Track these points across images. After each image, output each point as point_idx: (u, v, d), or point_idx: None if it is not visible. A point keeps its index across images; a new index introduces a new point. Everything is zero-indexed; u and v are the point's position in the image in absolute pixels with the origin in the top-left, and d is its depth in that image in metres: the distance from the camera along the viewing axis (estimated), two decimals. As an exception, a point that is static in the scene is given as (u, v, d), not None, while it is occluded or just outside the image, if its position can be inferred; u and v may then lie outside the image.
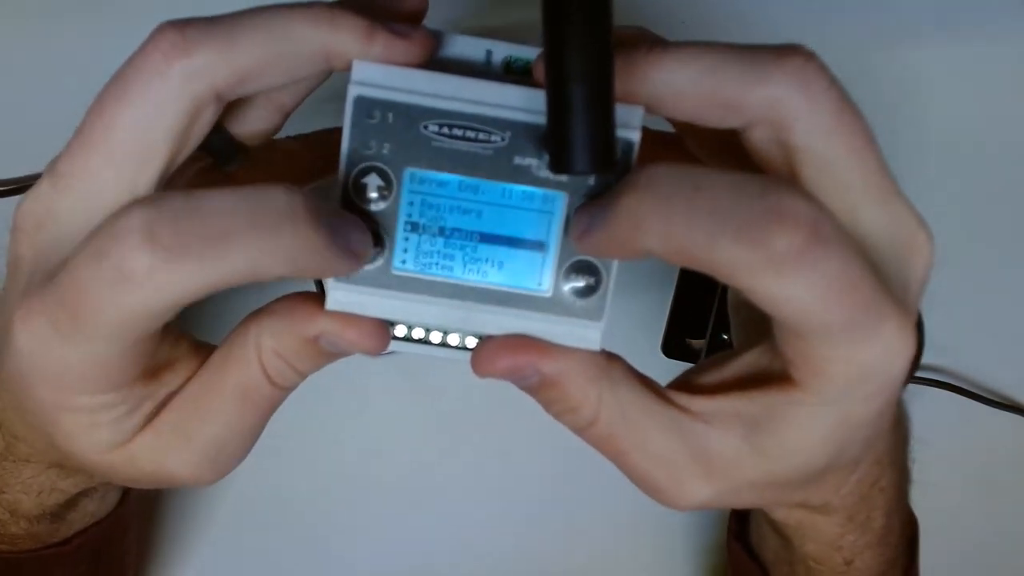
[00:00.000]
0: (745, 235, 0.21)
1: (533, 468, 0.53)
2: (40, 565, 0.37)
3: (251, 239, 0.22)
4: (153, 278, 0.22)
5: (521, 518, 0.53)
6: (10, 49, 0.51)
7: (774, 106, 0.24)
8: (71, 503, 0.35)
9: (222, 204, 0.22)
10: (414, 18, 0.27)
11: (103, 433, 0.27)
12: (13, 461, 0.31)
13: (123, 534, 0.42)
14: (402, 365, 0.52)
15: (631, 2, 0.54)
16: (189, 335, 0.28)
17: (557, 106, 0.22)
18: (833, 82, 0.24)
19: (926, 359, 0.52)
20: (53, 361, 0.25)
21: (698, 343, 0.54)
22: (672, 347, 0.55)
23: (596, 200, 0.25)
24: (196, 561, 0.51)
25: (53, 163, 0.25)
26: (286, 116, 0.29)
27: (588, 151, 0.22)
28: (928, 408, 0.54)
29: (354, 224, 0.24)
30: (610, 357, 0.27)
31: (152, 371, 0.27)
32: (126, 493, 0.39)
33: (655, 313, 0.55)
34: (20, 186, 0.49)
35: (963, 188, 0.57)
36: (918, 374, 0.54)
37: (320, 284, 0.26)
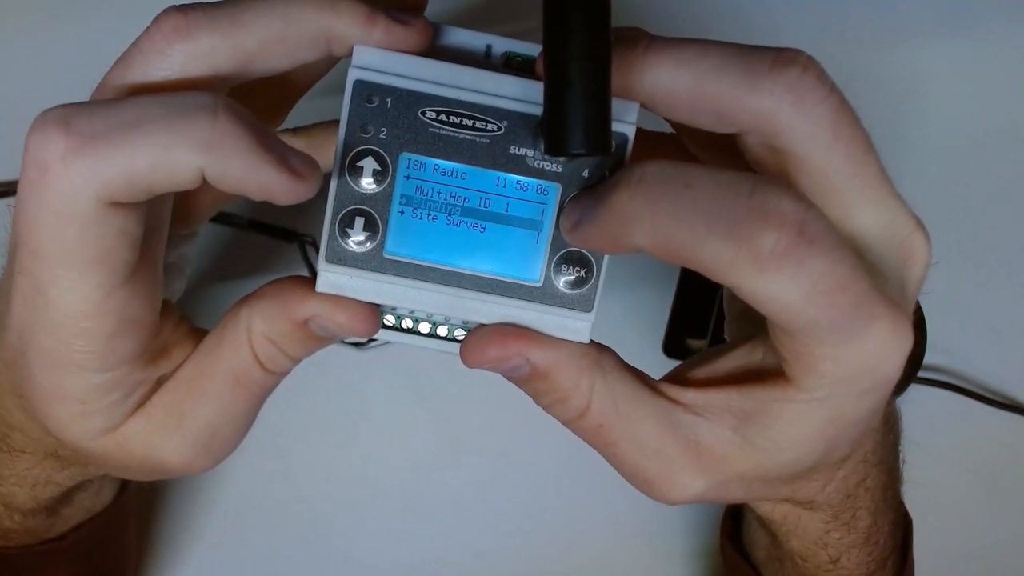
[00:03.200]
0: (731, 233, 0.22)
1: (532, 469, 0.53)
2: (35, 562, 0.37)
3: (166, 123, 0.22)
4: (69, 165, 0.22)
5: (520, 519, 0.53)
6: (10, 49, 0.51)
7: (766, 118, 0.24)
8: (66, 497, 0.35)
9: (141, 98, 0.22)
10: (415, 9, 0.27)
11: (96, 420, 0.27)
12: (8, 452, 0.31)
13: (120, 531, 0.42)
14: (402, 366, 0.53)
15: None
16: (188, 320, 0.29)
17: (554, 86, 0.23)
18: (831, 91, 0.24)
19: (926, 359, 0.52)
20: (41, 324, 0.24)
21: (699, 343, 0.54)
22: (673, 347, 0.55)
23: (588, 192, 0.25)
24: (195, 561, 0.51)
25: None
26: (290, 107, 0.30)
27: (583, 132, 0.22)
28: (928, 408, 0.54)
29: (293, 148, 0.24)
30: (600, 348, 0.27)
31: (151, 356, 0.27)
32: (123, 488, 0.39)
33: (656, 313, 0.55)
34: (12, 190, 0.49)
35: (963, 188, 0.57)
36: (919, 374, 0.54)
37: (312, 268, 0.26)
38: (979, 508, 0.56)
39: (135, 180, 0.22)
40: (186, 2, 0.25)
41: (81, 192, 0.22)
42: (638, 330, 0.55)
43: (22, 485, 0.33)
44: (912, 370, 0.51)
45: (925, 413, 0.54)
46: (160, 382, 0.28)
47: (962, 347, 0.56)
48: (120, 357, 0.26)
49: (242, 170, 0.22)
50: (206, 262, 0.51)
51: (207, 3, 0.24)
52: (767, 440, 0.26)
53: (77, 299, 0.24)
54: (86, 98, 0.25)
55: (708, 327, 0.53)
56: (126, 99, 0.23)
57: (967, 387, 0.56)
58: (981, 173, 0.57)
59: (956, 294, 0.55)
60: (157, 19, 0.24)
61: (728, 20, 0.55)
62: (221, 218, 0.50)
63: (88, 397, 0.26)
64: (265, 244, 0.51)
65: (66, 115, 0.22)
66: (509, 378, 0.27)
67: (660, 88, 0.24)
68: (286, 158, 0.23)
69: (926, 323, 0.51)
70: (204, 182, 0.23)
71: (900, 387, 0.50)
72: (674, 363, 0.54)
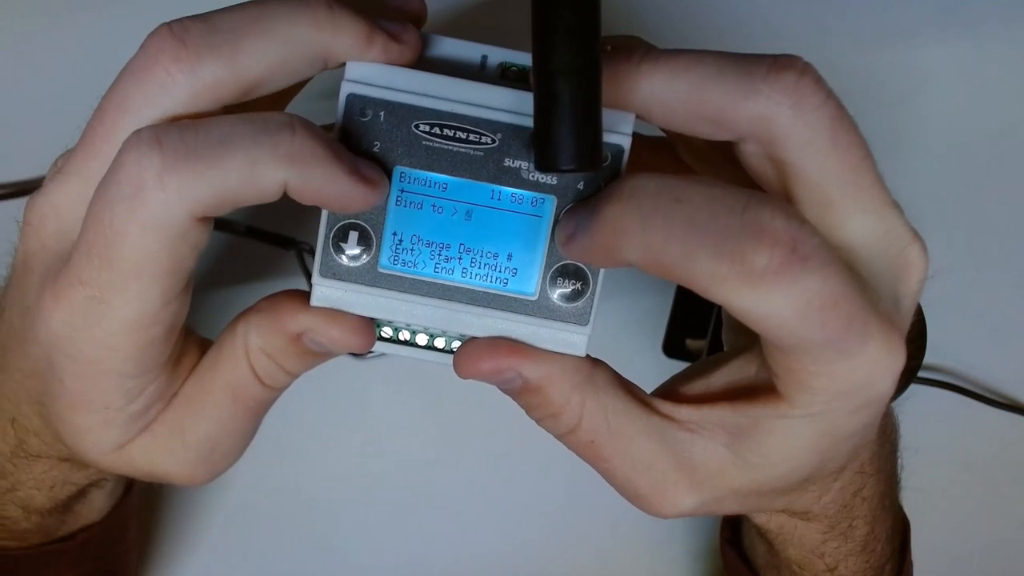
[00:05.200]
0: (723, 250, 0.21)
1: (533, 470, 0.53)
2: (45, 561, 0.37)
3: (252, 140, 0.23)
4: (165, 182, 0.22)
5: (521, 520, 0.53)
6: (9, 50, 0.51)
7: (764, 123, 0.24)
8: (81, 494, 0.35)
9: (224, 119, 0.23)
10: (416, 20, 0.27)
11: (112, 433, 0.27)
12: (25, 457, 0.31)
13: (124, 531, 0.42)
14: (404, 368, 0.53)
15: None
16: (194, 332, 0.29)
17: (543, 101, 0.22)
18: (828, 97, 0.23)
19: (926, 359, 0.52)
20: (92, 333, 0.25)
21: (699, 344, 0.54)
22: (673, 347, 0.55)
23: (583, 204, 0.25)
24: (196, 562, 0.51)
25: (56, 163, 0.26)
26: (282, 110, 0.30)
27: (572, 147, 0.22)
28: (928, 408, 0.54)
29: (363, 159, 0.25)
30: (594, 363, 0.27)
31: (172, 364, 0.27)
32: (128, 489, 0.40)
33: (657, 313, 0.55)
34: (18, 191, 0.49)
35: (963, 188, 0.57)
36: (919, 374, 0.54)
37: (310, 275, 0.26)
38: (979, 508, 0.56)
39: (226, 195, 0.23)
40: (182, 15, 0.24)
41: (175, 208, 0.22)
42: (638, 330, 0.55)
43: (40, 488, 0.33)
44: (909, 377, 0.51)
45: (925, 413, 0.54)
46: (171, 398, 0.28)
47: (962, 347, 0.56)
48: (153, 363, 0.26)
49: (321, 180, 0.23)
50: (204, 269, 0.51)
51: (201, 24, 0.24)
52: (760, 456, 0.26)
53: (139, 307, 0.24)
54: (82, 99, 0.26)
55: (708, 328, 0.53)
56: (210, 119, 0.23)
57: (967, 387, 0.56)
58: (981, 173, 0.57)
59: (956, 294, 0.55)
60: (153, 43, 0.24)
61: (728, 21, 0.55)
62: (219, 225, 0.50)
63: (113, 402, 0.26)
64: (263, 251, 0.51)
65: (158, 134, 0.22)
66: (503, 390, 0.27)
67: (656, 98, 0.24)
68: (358, 167, 0.24)
69: (926, 324, 0.50)
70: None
71: (896, 393, 0.50)
72: (674, 363, 0.54)
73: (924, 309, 0.50)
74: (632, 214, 0.23)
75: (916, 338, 0.50)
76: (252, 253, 0.51)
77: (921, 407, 0.53)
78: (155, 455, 0.28)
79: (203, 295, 0.51)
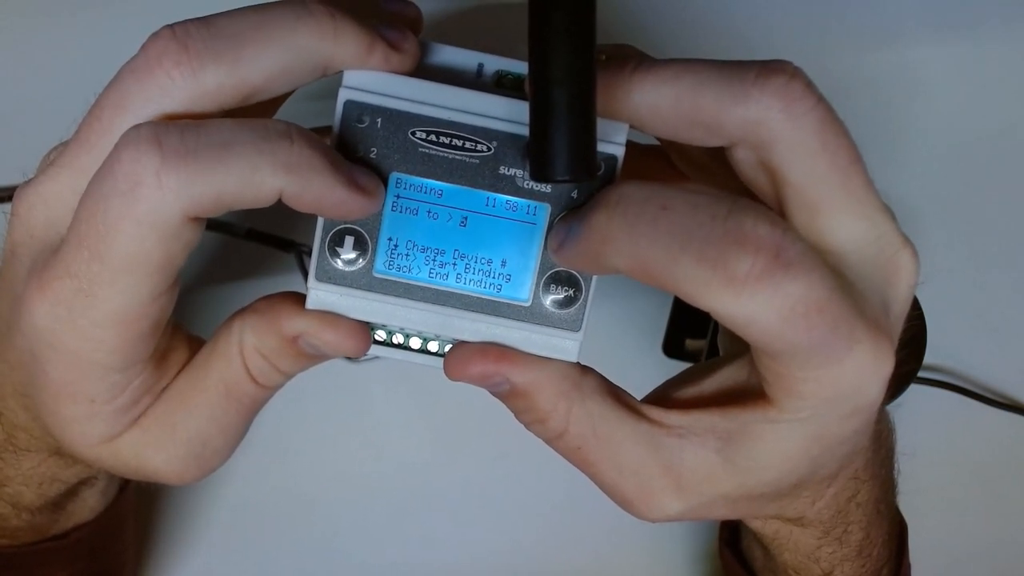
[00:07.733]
0: (706, 256, 0.22)
1: (532, 470, 0.53)
2: (37, 560, 0.37)
3: (253, 146, 0.23)
4: (162, 180, 0.22)
5: (520, 520, 0.53)
6: (8, 52, 0.51)
7: (754, 127, 0.24)
8: (72, 492, 0.35)
9: (223, 122, 0.23)
10: (413, 24, 0.27)
11: (98, 425, 0.27)
12: (13, 452, 0.31)
13: (120, 530, 0.42)
14: (401, 370, 0.53)
15: (633, 0, 0.54)
16: (184, 328, 0.29)
17: (539, 113, 0.23)
18: (818, 101, 0.24)
19: (926, 359, 0.52)
20: (76, 324, 0.25)
21: (698, 344, 0.54)
22: (673, 348, 0.55)
23: (574, 212, 0.25)
24: (195, 562, 0.51)
25: (48, 156, 0.26)
26: (274, 112, 0.30)
27: (567, 159, 0.22)
28: (928, 408, 0.54)
29: (359, 167, 0.25)
30: (583, 370, 0.27)
31: (157, 359, 0.27)
32: (123, 488, 0.40)
33: (657, 314, 0.55)
34: (10, 195, 0.49)
35: (963, 188, 0.57)
36: (919, 374, 0.54)
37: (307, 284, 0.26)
38: (979, 508, 0.56)
39: (223, 198, 0.23)
40: (183, 17, 0.24)
41: (170, 207, 0.22)
42: (638, 330, 0.55)
43: (29, 484, 0.33)
44: (908, 378, 0.51)
45: (925, 414, 0.54)
46: (160, 393, 0.28)
47: (962, 347, 0.56)
48: (138, 357, 0.26)
49: (318, 189, 0.23)
50: (205, 271, 0.52)
51: (204, 28, 0.24)
52: (750, 460, 0.26)
53: (126, 301, 0.24)
54: (83, 100, 0.26)
55: (708, 328, 0.53)
56: (210, 121, 0.23)
57: (967, 387, 0.56)
58: (980, 173, 0.57)
59: (956, 294, 0.55)
60: (155, 46, 0.24)
61: (727, 22, 0.55)
62: (220, 227, 0.50)
63: (99, 396, 0.26)
64: (263, 253, 0.51)
65: (158, 132, 0.22)
66: (492, 393, 0.27)
67: (648, 107, 0.24)
68: (354, 176, 0.24)
69: (926, 324, 0.50)
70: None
71: (893, 394, 0.50)
72: (674, 363, 0.54)
73: (924, 309, 0.50)
74: (618, 221, 0.23)
75: (916, 339, 0.50)
76: (252, 255, 0.51)
77: (921, 407, 0.53)
78: (144, 450, 0.28)
79: (203, 296, 0.51)
